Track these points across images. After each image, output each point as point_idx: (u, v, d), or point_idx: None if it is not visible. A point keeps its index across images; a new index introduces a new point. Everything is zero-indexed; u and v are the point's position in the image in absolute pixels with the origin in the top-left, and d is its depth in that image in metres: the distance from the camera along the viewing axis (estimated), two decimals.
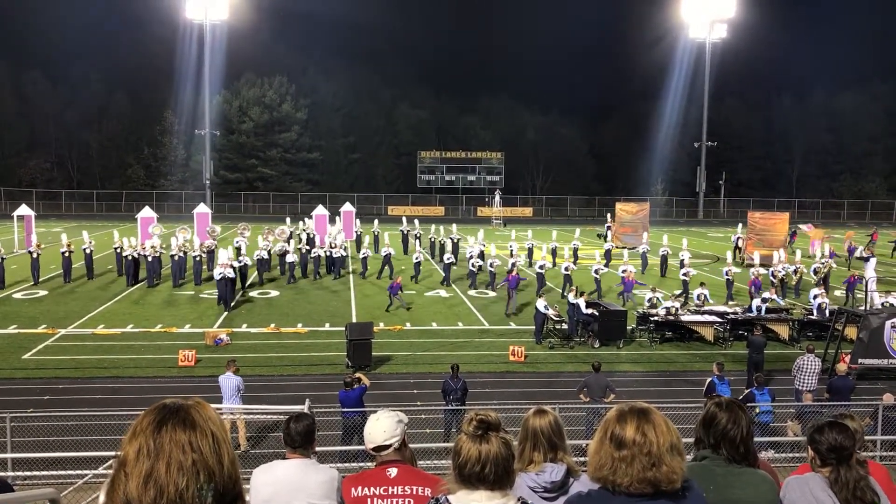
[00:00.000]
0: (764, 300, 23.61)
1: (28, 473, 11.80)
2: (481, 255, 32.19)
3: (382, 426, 3.79)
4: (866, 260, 26.14)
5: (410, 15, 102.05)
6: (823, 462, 3.52)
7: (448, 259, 32.06)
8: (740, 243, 41.74)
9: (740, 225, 45.65)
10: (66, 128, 76.49)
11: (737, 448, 3.17)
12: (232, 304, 26.37)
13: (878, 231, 50.45)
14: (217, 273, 26.46)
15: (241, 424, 14.03)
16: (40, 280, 29.81)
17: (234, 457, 1.84)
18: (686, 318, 22.55)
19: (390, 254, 32.71)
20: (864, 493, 3.39)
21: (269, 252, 32.43)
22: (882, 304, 22.25)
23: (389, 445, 3.80)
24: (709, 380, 15.12)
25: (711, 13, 68.74)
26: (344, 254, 33.55)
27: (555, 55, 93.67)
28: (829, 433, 3.52)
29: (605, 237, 46.00)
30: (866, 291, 20.05)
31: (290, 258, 31.78)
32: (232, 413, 13.99)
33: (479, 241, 33.98)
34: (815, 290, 24.91)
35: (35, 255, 29.75)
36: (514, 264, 27.66)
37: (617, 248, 39.87)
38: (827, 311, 22.54)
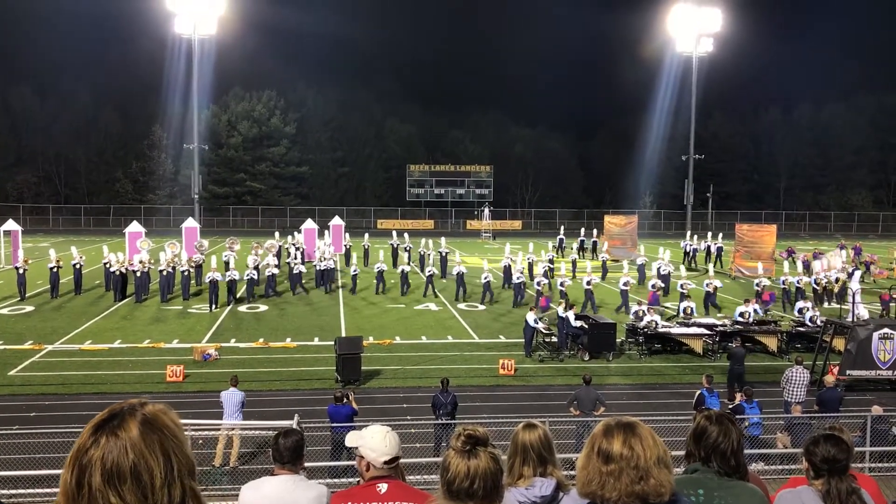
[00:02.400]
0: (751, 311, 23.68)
1: (14, 491, 11.68)
2: (546, 274, 32.19)
3: (394, 438, 3.78)
4: (850, 274, 26.31)
5: (398, 30, 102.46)
6: (817, 474, 3.57)
7: (429, 271, 32.13)
8: (688, 248, 42.72)
9: (689, 232, 46.40)
10: (54, 142, 76.07)
11: (727, 461, 3.18)
12: (215, 307, 28.18)
13: (843, 241, 51.19)
14: (208, 277, 29.01)
15: (237, 441, 13.96)
16: (27, 296, 29.61)
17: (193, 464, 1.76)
18: (675, 330, 22.62)
19: (382, 270, 32.70)
20: None
21: (257, 267, 32.38)
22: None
23: (399, 457, 3.79)
24: (698, 392, 15.18)
25: (698, 27, 69.25)
26: (333, 266, 33.51)
27: (542, 69, 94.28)
28: (824, 445, 3.58)
29: (561, 250, 45.99)
30: (853, 303, 20.16)
31: (270, 271, 31.83)
32: (231, 429, 13.92)
33: (524, 256, 34.56)
34: (801, 303, 25.07)
35: (21, 271, 29.56)
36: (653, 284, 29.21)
37: (613, 260, 40.09)
38: (818, 322, 22.68)
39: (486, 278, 30.43)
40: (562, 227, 49.90)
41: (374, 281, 32.53)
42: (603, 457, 2.35)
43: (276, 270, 32.24)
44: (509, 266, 33.33)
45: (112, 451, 1.64)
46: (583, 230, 48.05)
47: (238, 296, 30.09)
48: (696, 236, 44.53)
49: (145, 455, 1.65)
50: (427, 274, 32.12)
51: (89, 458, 1.63)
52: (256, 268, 32.12)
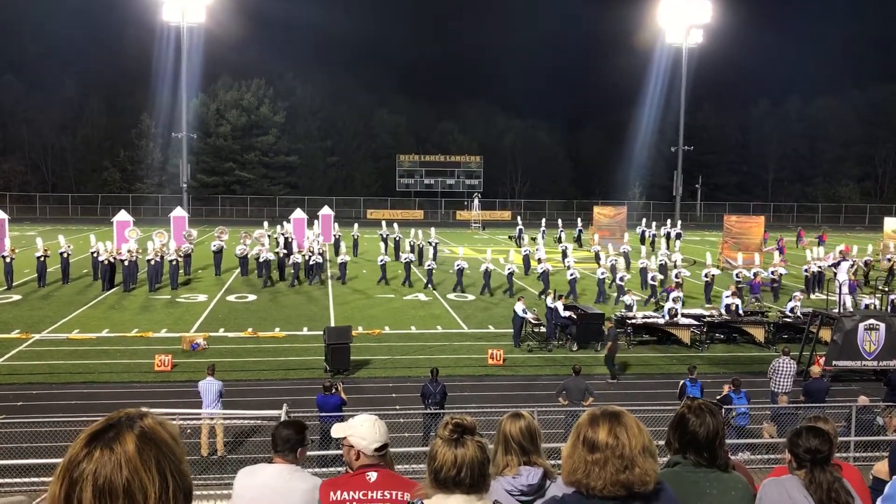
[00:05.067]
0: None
1: (0, 480, 11.64)
2: (662, 268, 31.67)
3: (383, 426, 3.80)
4: (837, 264, 26.48)
5: (388, 20, 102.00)
6: (800, 464, 3.64)
7: (429, 265, 32.04)
8: (646, 234, 43.41)
9: (644, 219, 47.01)
10: (41, 131, 75.45)
11: (701, 452, 3.16)
12: (268, 282, 30.91)
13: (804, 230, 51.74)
14: (260, 257, 31.27)
15: (220, 430, 13.96)
16: (14, 284, 29.44)
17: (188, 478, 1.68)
18: (663, 321, 22.71)
19: (411, 260, 32.93)
20: (839, 494, 3.49)
21: (246, 256, 32.27)
22: (865, 306, 22.82)
23: (388, 444, 3.82)
24: (682, 382, 15.34)
25: (688, 19, 69.30)
26: (320, 259, 33.44)
27: (532, 61, 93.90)
28: (806, 437, 3.65)
29: (519, 241, 45.66)
30: (839, 294, 20.30)
31: (263, 257, 31.71)
32: (211, 418, 13.92)
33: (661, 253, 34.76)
34: (795, 294, 25.26)
35: (8, 260, 29.38)
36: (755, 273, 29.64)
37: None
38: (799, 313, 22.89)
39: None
40: (518, 218, 49.69)
41: (360, 272, 32.55)
42: (588, 446, 2.37)
43: (270, 256, 32.10)
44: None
45: (106, 466, 1.54)
46: (543, 220, 47.83)
47: (226, 287, 30.07)
48: (654, 223, 45.30)
49: (140, 472, 1.55)
50: (428, 267, 32.01)
51: (81, 472, 1.54)
52: (245, 257, 32.02)
